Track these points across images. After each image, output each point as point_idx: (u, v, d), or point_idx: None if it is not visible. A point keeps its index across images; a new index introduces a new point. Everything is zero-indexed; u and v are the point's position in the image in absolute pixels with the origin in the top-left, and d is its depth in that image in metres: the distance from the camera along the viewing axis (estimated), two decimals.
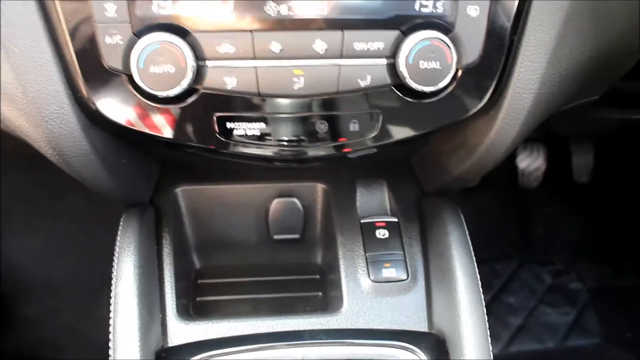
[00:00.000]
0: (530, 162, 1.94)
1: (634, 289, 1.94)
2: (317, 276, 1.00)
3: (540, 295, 1.95)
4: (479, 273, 0.88)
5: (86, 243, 1.80)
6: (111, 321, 0.80)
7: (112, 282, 0.83)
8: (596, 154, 1.99)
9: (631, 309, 1.91)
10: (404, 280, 0.89)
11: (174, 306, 0.86)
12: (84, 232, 1.81)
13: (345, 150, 0.78)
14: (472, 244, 0.92)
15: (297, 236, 1.00)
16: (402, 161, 1.04)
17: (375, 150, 0.81)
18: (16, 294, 1.80)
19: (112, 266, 0.85)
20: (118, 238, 0.87)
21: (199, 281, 1.01)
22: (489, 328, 0.86)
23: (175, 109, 0.72)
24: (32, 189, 1.78)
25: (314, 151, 0.78)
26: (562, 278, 1.99)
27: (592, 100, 1.10)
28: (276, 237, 1.00)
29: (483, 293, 0.86)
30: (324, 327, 0.84)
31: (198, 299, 0.98)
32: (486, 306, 0.88)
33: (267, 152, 0.77)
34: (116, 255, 0.85)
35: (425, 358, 0.81)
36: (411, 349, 0.81)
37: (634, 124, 1.70)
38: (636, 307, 1.91)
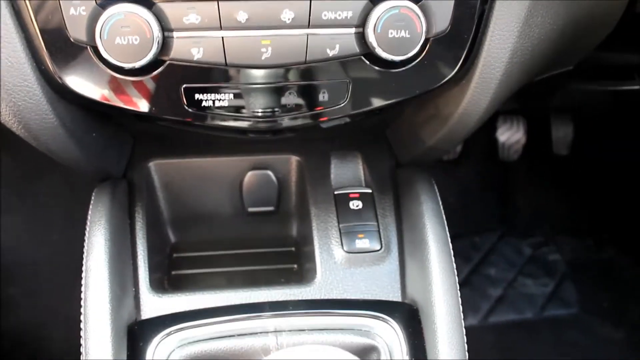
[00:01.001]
0: (510, 135, 1.94)
1: (612, 261, 1.96)
2: (292, 248, 1.01)
3: (520, 267, 1.97)
4: (459, 246, 0.88)
5: (67, 224, 1.79)
6: (82, 295, 0.80)
7: (84, 257, 0.83)
8: (575, 128, 2.01)
9: (609, 280, 1.94)
10: (378, 250, 0.89)
11: (147, 280, 0.86)
12: (65, 213, 1.80)
13: (316, 120, 0.78)
14: (452, 218, 0.93)
15: (271, 208, 1.00)
16: (376, 133, 1.04)
17: (347, 120, 0.80)
18: None
19: (84, 241, 0.85)
20: (89, 212, 0.87)
21: (174, 255, 1.01)
22: (468, 299, 0.86)
23: (142, 80, 0.71)
24: (9, 170, 1.76)
25: (284, 121, 0.77)
26: (542, 250, 2.01)
27: (567, 71, 1.10)
28: (251, 209, 1.00)
29: (463, 266, 0.87)
30: (297, 298, 0.84)
31: (173, 272, 0.98)
32: (466, 278, 0.88)
33: (237, 123, 0.76)
34: (87, 229, 0.84)
35: (399, 327, 0.82)
36: (384, 318, 0.82)
37: (611, 96, 1.71)
38: (614, 279, 1.94)
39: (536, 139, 1.98)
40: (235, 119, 0.76)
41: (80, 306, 0.80)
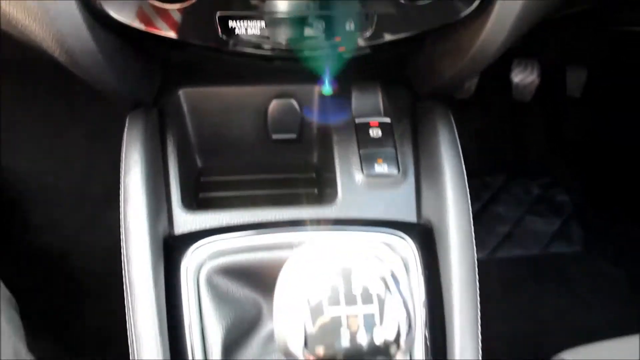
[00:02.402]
0: (524, 77, 1.97)
1: (620, 202, 2.01)
2: (313, 174, 1.06)
3: (528, 206, 2.03)
4: (470, 185, 0.93)
5: (91, 155, 1.83)
6: (121, 209, 0.86)
7: (121, 175, 0.88)
8: (589, 71, 2.02)
9: (615, 221, 2.00)
10: (395, 174, 0.94)
11: (179, 198, 0.92)
12: (90, 144, 1.84)
13: (341, 49, 0.82)
14: (464, 156, 0.97)
15: (294, 136, 1.05)
16: (396, 68, 1.07)
17: (369, 51, 0.84)
18: (21, 202, 1.85)
19: (120, 161, 0.90)
20: (124, 134, 0.92)
21: (201, 179, 1.06)
22: (476, 235, 0.91)
23: (179, 7, 0.75)
24: (34, 101, 1.80)
25: (311, 51, 0.81)
26: (550, 190, 2.07)
27: (583, 9, 1.12)
28: (275, 136, 1.05)
29: (472, 203, 0.91)
30: (319, 217, 0.90)
31: (200, 195, 1.03)
32: (475, 215, 0.93)
33: (267, 51, 0.80)
34: (123, 149, 0.90)
35: (414, 245, 0.88)
36: (401, 236, 0.88)
37: (626, 40, 1.72)
38: (620, 219, 1.99)
39: (550, 81, 2.00)
40: (265, 47, 0.80)
41: (119, 220, 0.86)
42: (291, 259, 0.51)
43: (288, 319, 0.48)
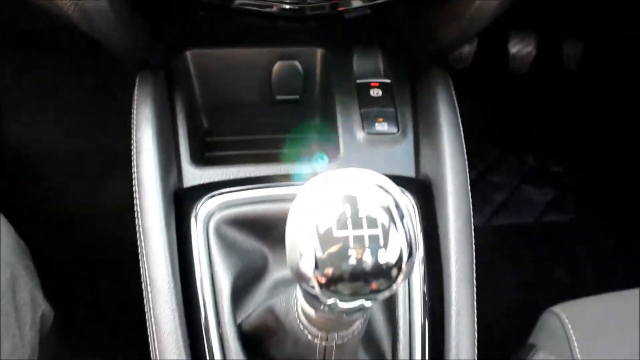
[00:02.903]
0: (522, 48, 2.00)
1: (613, 175, 2.05)
2: (316, 134, 1.10)
3: (524, 176, 2.07)
4: (467, 154, 0.97)
5: (94, 128, 1.86)
6: (133, 163, 0.89)
7: (132, 131, 0.92)
8: (585, 45, 2.05)
9: (608, 193, 2.04)
10: (395, 133, 0.98)
11: (188, 155, 0.96)
12: (92, 119, 1.87)
13: (340, 9, 0.85)
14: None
15: (297, 97, 1.09)
16: (396, 34, 1.11)
17: (368, 11, 0.87)
18: (25, 173, 1.88)
19: (131, 119, 0.94)
20: (135, 93, 0.95)
21: (207, 139, 1.10)
22: (472, 203, 0.95)
23: None
24: (34, 81, 1.81)
25: (312, 10, 0.84)
26: (546, 161, 2.10)
27: None
28: (278, 97, 1.08)
29: (469, 173, 0.95)
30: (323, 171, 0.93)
31: (207, 154, 1.07)
32: (471, 184, 0.97)
33: (271, 9, 0.84)
34: (134, 107, 0.93)
35: (413, 199, 0.92)
36: (401, 190, 0.91)
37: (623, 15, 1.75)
38: (613, 192, 2.03)
39: (546, 53, 2.03)
40: (269, 5, 0.83)
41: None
42: (302, 190, 0.55)
43: (299, 244, 0.52)
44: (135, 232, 0.86)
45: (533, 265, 1.86)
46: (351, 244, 0.50)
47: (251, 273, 0.89)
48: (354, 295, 0.52)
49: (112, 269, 1.61)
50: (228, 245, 0.88)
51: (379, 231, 0.51)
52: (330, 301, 0.54)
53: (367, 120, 0.99)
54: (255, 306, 0.84)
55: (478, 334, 0.88)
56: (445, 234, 0.88)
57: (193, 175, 0.94)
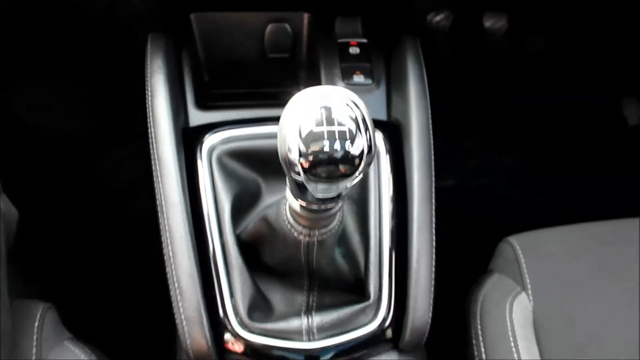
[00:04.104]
0: (494, 22, 2.15)
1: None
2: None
3: (496, 142, 2.24)
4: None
5: (95, 104, 1.98)
6: (148, 105, 1.06)
7: (146, 79, 1.08)
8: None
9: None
10: (370, 84, 1.15)
11: (193, 100, 1.12)
12: (93, 95, 1.98)
13: None
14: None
15: (287, 55, 1.25)
16: (375, 5, 1.27)
17: None
18: (24, 146, 1.99)
19: (145, 67, 1.10)
20: (148, 48, 1.11)
21: (209, 91, 1.27)
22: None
23: None
24: (38, 53, 1.91)
25: None
26: (517, 128, 2.26)
27: None
28: (270, 55, 1.25)
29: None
30: None
31: (208, 103, 1.24)
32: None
33: None
34: (148, 58, 1.09)
35: (384, 138, 1.09)
36: (375, 130, 1.09)
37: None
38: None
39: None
40: None
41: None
42: (290, 101, 0.72)
43: (288, 140, 0.69)
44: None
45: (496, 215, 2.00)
46: (326, 136, 0.67)
47: (247, 197, 1.06)
48: (329, 178, 0.69)
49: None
50: (228, 173, 1.05)
51: (346, 129, 0.68)
52: (311, 187, 0.72)
53: (346, 73, 1.16)
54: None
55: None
56: (410, 163, 1.05)
57: (198, 117, 1.11)
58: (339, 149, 0.68)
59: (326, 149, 0.67)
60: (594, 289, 1.24)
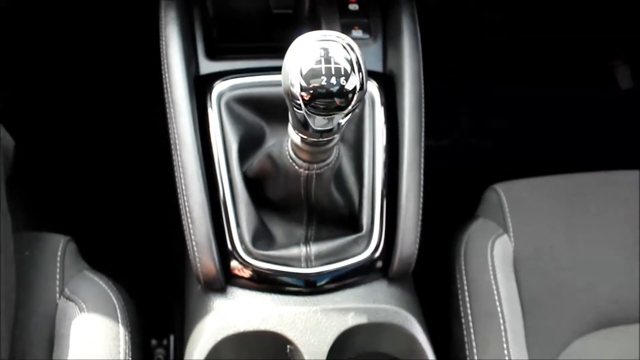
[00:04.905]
0: None
1: None
2: None
3: (487, 103, 2.32)
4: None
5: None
6: (163, 54, 1.15)
7: (161, 30, 1.17)
8: None
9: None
10: (368, 38, 1.24)
11: (204, 51, 1.21)
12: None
13: None
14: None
15: (290, 11, 1.33)
16: None
17: None
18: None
19: (159, 22, 1.19)
20: (162, 4, 1.20)
21: (217, 46, 1.35)
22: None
23: None
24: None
25: None
26: (508, 90, 2.34)
27: None
28: (275, 11, 1.33)
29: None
30: None
31: (217, 56, 1.33)
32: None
33: None
34: (162, 13, 1.17)
35: (379, 87, 1.18)
36: (371, 80, 1.18)
37: None
38: None
39: None
40: None
41: (162, 63, 1.14)
42: (292, 44, 0.81)
43: (290, 76, 0.79)
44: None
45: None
46: (324, 72, 0.77)
47: (252, 140, 1.16)
48: (326, 109, 0.79)
49: None
50: (235, 117, 1.14)
51: (342, 67, 0.78)
52: (311, 120, 0.82)
53: (346, 28, 1.24)
54: None
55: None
56: (402, 109, 1.15)
57: (208, 66, 1.20)
58: (335, 83, 0.78)
59: (324, 83, 0.77)
60: (572, 234, 1.35)
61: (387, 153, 1.13)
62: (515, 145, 2.27)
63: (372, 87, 1.18)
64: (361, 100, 0.81)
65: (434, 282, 1.33)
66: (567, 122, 2.28)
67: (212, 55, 1.25)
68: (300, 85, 0.78)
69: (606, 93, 2.25)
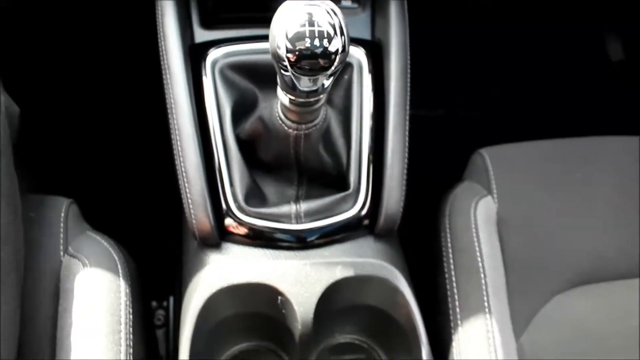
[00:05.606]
0: None
1: None
2: None
3: None
4: None
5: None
6: (158, 22, 1.20)
7: (156, 1, 1.22)
8: None
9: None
10: (357, 7, 1.29)
11: (198, 20, 1.26)
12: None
13: None
14: None
15: None
16: None
17: None
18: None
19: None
20: None
21: (211, 17, 1.40)
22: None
23: None
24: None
25: None
26: None
27: None
28: None
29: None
30: None
31: (212, 26, 1.37)
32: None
33: None
34: None
35: (366, 54, 1.23)
36: (359, 47, 1.23)
37: None
38: None
39: None
40: None
41: (158, 32, 1.19)
42: (279, 9, 0.86)
43: (277, 39, 0.84)
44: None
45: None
46: (308, 35, 0.82)
47: (245, 104, 1.21)
48: (311, 70, 0.84)
49: None
50: (229, 83, 1.20)
51: (325, 30, 0.83)
52: (297, 81, 0.87)
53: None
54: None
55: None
56: (388, 74, 1.20)
57: (202, 35, 1.25)
58: (318, 45, 0.83)
59: (308, 45, 0.83)
60: (555, 197, 1.41)
61: (374, 117, 1.19)
62: (510, 113, 2.31)
63: (360, 54, 1.23)
64: (343, 62, 0.87)
65: (423, 243, 1.39)
66: (560, 91, 2.33)
67: (207, 25, 1.30)
68: (286, 47, 0.84)
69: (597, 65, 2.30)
